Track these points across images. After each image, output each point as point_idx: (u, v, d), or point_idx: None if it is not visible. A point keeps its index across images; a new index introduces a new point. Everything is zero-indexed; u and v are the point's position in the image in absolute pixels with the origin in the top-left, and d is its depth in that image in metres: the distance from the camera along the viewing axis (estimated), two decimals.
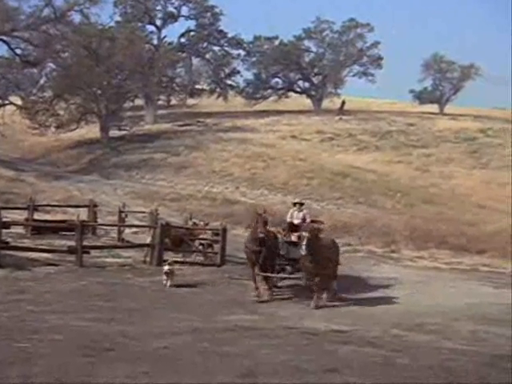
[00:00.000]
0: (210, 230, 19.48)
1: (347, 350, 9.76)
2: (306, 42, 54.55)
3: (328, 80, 52.37)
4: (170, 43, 50.71)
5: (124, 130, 42.37)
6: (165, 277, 14.53)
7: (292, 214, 15.76)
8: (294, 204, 16.35)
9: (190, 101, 53.94)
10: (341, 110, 49.70)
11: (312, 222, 15.87)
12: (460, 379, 8.41)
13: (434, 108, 54.60)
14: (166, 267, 14.65)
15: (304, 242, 13.61)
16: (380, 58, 53.86)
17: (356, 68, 53.91)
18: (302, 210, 15.79)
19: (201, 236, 19.05)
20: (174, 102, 54.05)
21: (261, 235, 14.02)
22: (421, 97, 56.29)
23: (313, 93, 53.22)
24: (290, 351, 9.34)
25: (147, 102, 48.27)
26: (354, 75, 54.17)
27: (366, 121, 46.64)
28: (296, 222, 15.54)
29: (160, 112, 49.65)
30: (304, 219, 15.55)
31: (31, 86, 41.12)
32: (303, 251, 13.53)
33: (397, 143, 41.88)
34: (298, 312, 12.91)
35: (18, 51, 39.49)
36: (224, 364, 8.33)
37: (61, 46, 40.27)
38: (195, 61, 53.22)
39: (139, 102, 48.90)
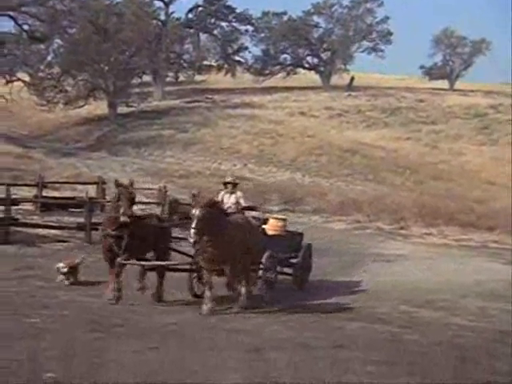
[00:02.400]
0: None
1: (355, 327, 9.75)
2: (315, 18, 54.04)
3: (337, 56, 51.92)
4: (177, 19, 50.30)
5: (132, 106, 42.25)
6: (62, 277, 11.98)
7: (222, 198, 11.87)
8: (225, 184, 12.08)
9: (198, 77, 53.65)
10: (350, 86, 49.34)
11: (249, 208, 12.28)
12: (468, 355, 8.38)
13: (444, 84, 54.09)
14: (61, 264, 12.08)
15: (193, 223, 9.98)
16: (389, 34, 53.32)
17: (365, 43, 53.43)
18: (234, 193, 11.94)
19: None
20: (181, 78, 53.77)
21: (123, 219, 10.46)
22: (431, 72, 55.75)
23: (321, 69, 52.81)
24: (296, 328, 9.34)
25: (155, 78, 48.05)
26: (363, 51, 53.71)
27: (375, 97, 46.30)
28: (227, 207, 11.63)
29: (168, 88, 49.42)
30: (237, 204, 11.81)
31: (39, 63, 40.94)
32: (192, 237, 9.98)
33: (406, 119, 41.60)
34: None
35: (26, 27, 39.29)
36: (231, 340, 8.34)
37: (68, 22, 40.04)
38: (203, 37, 52.85)
39: (147, 78, 48.69)
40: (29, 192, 21.30)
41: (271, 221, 12.75)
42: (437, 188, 28.12)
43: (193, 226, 10.00)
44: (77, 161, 31.65)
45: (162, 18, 48.94)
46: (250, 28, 52.33)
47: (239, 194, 12.02)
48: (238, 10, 51.63)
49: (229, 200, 11.86)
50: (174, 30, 46.96)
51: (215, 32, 52.17)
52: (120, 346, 7.62)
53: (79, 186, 22.94)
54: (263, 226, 12.36)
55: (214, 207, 10.40)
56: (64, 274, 11.89)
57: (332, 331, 9.28)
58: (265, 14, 53.14)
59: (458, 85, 53.76)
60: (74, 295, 10.87)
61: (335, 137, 38.06)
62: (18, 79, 39.36)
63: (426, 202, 24.86)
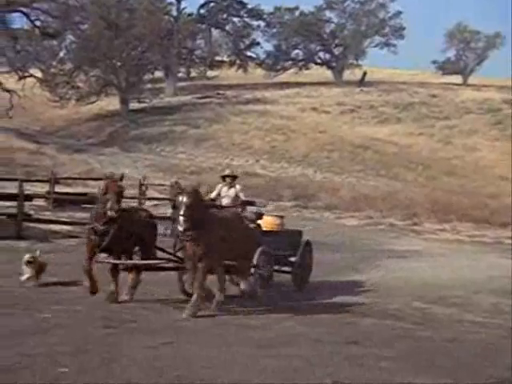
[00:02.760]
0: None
1: (368, 323, 9.71)
2: (327, 13, 53.94)
3: (349, 51, 51.77)
4: (189, 14, 50.33)
5: (144, 102, 42.33)
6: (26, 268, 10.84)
7: (220, 192, 11.42)
8: (224, 178, 11.57)
9: (210, 73, 53.68)
10: (362, 82, 49.18)
11: (248, 203, 11.69)
12: (481, 352, 8.33)
13: (458, 79, 53.80)
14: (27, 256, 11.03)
15: (181, 210, 9.20)
16: (402, 28, 53.12)
17: (377, 38, 53.25)
18: (233, 186, 11.43)
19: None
20: (193, 73, 53.82)
21: (110, 213, 9.64)
22: (444, 67, 55.45)
23: (333, 64, 52.68)
24: (309, 323, 9.31)
25: (167, 74, 48.11)
26: (375, 46, 53.57)
27: (388, 92, 46.13)
28: (225, 202, 11.25)
29: (180, 84, 49.48)
30: (237, 198, 11.32)
31: (51, 59, 41.10)
32: (181, 224, 9.20)
33: (419, 115, 41.43)
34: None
35: (38, 23, 39.43)
36: (243, 335, 8.33)
37: (80, 18, 40.16)
38: (215, 32, 52.87)
39: (159, 74, 48.76)
40: (41, 188, 21.39)
41: (267, 218, 12.00)
42: (450, 184, 28.01)
43: (181, 213, 9.17)
44: (89, 157, 31.77)
45: (174, 13, 48.98)
46: (261, 23, 52.35)
47: (238, 187, 11.49)
48: (249, 6, 51.66)
49: (227, 193, 11.36)
50: (185, 25, 46.99)
51: (227, 27, 52.17)
52: (132, 342, 7.62)
53: (91, 182, 23.00)
54: (258, 222, 11.55)
55: (197, 196, 9.56)
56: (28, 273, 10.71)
57: (345, 327, 9.25)
58: (277, 9, 53.08)
59: (472, 79, 53.48)
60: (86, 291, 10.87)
61: (347, 132, 37.98)
62: (31, 75, 39.50)
63: (439, 197, 24.76)
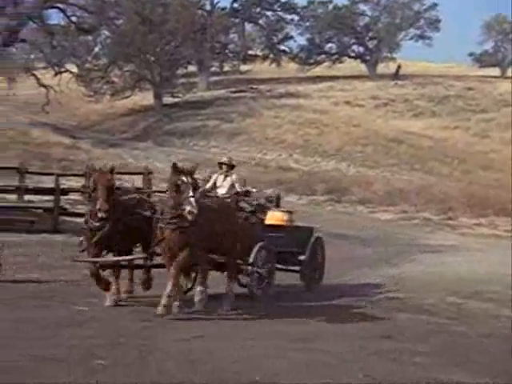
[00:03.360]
0: (263, 197, 19.37)
1: (402, 318, 9.64)
2: (361, 6, 53.35)
3: (383, 44, 51.23)
4: (222, 9, 50.34)
5: (177, 96, 42.50)
6: None
7: (215, 181, 10.67)
8: (220, 165, 10.81)
9: (243, 67, 53.65)
10: (396, 75, 48.68)
11: (244, 194, 10.79)
12: None
13: (495, 71, 52.85)
14: None
15: (190, 191, 8.54)
16: (438, 21, 52.31)
17: (412, 31, 52.51)
18: (229, 175, 10.69)
19: (254, 203, 18.98)
20: (226, 68, 53.85)
21: (100, 214, 8.95)
22: (481, 60, 54.53)
23: (367, 57, 52.19)
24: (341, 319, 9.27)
25: (200, 68, 48.21)
26: (410, 39, 52.81)
27: (423, 85, 45.57)
28: (220, 192, 10.46)
29: (213, 78, 49.56)
30: (232, 188, 10.56)
31: (86, 54, 41.55)
32: (193, 206, 8.47)
33: (454, 108, 40.85)
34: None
35: (74, 19, 39.87)
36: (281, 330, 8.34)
37: (115, 13, 40.46)
38: (248, 26, 52.79)
39: (192, 68, 48.91)
40: (77, 182, 21.63)
41: (274, 213, 11.08)
42: (486, 178, 27.59)
43: (190, 194, 8.46)
44: (123, 151, 32.04)
45: (208, 7, 49.04)
46: (295, 17, 52.06)
47: (235, 177, 10.69)
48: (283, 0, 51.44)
49: (223, 183, 10.60)
50: (219, 19, 46.98)
51: (260, 21, 52.05)
52: (168, 334, 7.67)
53: (125, 176, 23.17)
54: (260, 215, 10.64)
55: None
56: None
57: (378, 322, 9.19)
58: (310, 2, 52.73)
59: (511, 72, 52.43)
60: (122, 284, 10.96)
61: (381, 126, 37.65)
62: (67, 70, 39.97)
63: (475, 191, 24.43)
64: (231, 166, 10.73)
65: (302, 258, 11.25)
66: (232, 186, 10.54)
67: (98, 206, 8.88)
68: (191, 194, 8.49)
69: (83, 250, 9.44)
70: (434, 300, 11.20)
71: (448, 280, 13.07)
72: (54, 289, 9.93)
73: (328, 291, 11.32)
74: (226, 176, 10.65)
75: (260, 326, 8.43)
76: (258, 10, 51.63)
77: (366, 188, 26.86)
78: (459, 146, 34.00)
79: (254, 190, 21.11)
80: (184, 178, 8.55)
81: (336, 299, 10.75)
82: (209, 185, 10.66)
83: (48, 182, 18.58)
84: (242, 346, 7.36)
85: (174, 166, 8.73)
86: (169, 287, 8.57)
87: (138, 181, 20.84)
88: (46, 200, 17.69)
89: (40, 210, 17.01)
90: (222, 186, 10.54)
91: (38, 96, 38.61)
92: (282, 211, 11.55)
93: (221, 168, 10.73)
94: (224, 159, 11.01)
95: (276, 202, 15.28)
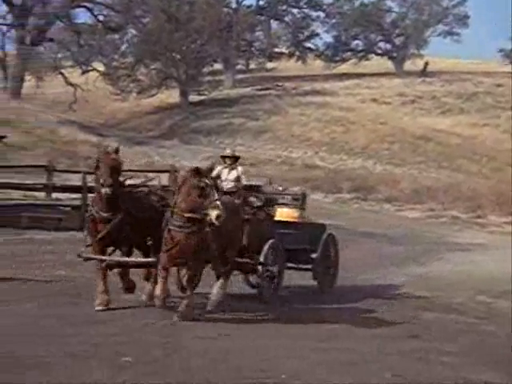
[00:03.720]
0: (289, 194, 19.34)
1: (430, 317, 9.54)
2: (388, 2, 52.90)
3: (410, 41, 50.79)
4: (248, 6, 50.29)
5: (203, 94, 42.60)
6: None
7: (219, 174, 9.94)
8: (224, 158, 10.15)
9: (269, 64, 53.57)
10: (424, 72, 48.24)
11: (251, 188, 10.60)
12: None
13: None
14: None
15: (215, 194, 8.17)
16: (466, 17, 51.67)
17: (440, 27, 51.97)
18: (235, 168, 10.08)
19: (280, 201, 18.94)
20: (252, 65, 53.82)
21: (104, 190, 8.21)
22: (511, 56, 53.77)
23: (394, 54, 51.78)
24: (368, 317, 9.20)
25: (226, 66, 48.26)
26: (438, 35, 52.29)
27: (451, 82, 45.09)
28: (226, 186, 9.88)
29: (239, 76, 49.58)
30: (238, 182, 9.99)
31: (113, 52, 41.86)
32: (220, 209, 8.08)
33: (483, 105, 40.34)
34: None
35: (101, 17, 40.21)
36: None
37: (141, 11, 40.73)
38: (274, 24, 52.66)
39: (218, 66, 48.97)
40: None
41: (284, 210, 10.76)
42: None
43: (216, 197, 8.04)
44: (149, 149, 32.21)
45: (233, 5, 49.03)
46: (321, 14, 51.82)
47: (240, 169, 10.04)
48: None
49: (227, 176, 9.94)
50: (245, 17, 46.96)
51: (286, 19, 51.90)
52: (192, 333, 7.67)
53: (152, 174, 23.27)
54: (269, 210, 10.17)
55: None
56: None
57: (406, 321, 9.10)
58: None
59: None
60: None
61: (408, 123, 37.34)
62: (94, 69, 40.31)
63: (504, 189, 24.10)
64: (235, 159, 10.04)
65: (313, 255, 10.70)
66: (237, 179, 9.97)
67: (101, 181, 8.16)
68: (216, 196, 8.08)
69: (88, 246, 8.78)
70: (462, 299, 11.08)
71: (477, 279, 12.91)
72: (81, 286, 9.99)
73: (353, 291, 11.24)
74: (230, 169, 10.02)
75: (283, 326, 8.38)
76: (284, 7, 51.49)
77: (393, 186, 26.67)
78: (488, 144, 33.60)
79: (280, 187, 21.09)
80: (207, 181, 8.12)
81: (362, 298, 10.66)
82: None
83: (75, 180, 18.71)
84: (269, 345, 7.33)
85: (196, 170, 8.20)
86: (187, 296, 8.38)
87: (164, 179, 20.96)
88: (74, 198, 17.83)
89: (67, 208, 17.14)
90: (227, 180, 9.92)
91: (66, 94, 38.98)
92: (294, 208, 11.10)
93: (224, 162, 10.05)
94: (227, 151, 10.38)
95: (302, 200, 15.08)
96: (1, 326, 7.32)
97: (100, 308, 8.41)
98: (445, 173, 29.43)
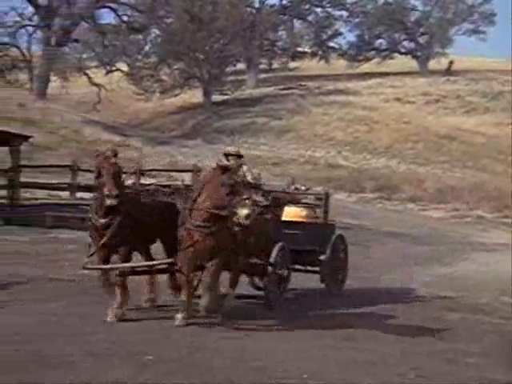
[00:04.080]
0: (312, 194, 19.28)
1: (455, 317, 9.44)
2: (412, 1, 52.59)
3: (435, 39, 50.37)
4: (271, 6, 50.26)
5: (226, 94, 42.66)
6: None
7: None
8: (227, 157, 9.15)
9: (292, 64, 53.50)
10: (448, 71, 47.83)
11: (256, 187, 9.36)
12: None
13: None
14: None
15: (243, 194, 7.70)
16: (493, 15, 51.09)
17: (465, 26, 51.52)
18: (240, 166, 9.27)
19: (303, 201, 18.89)
20: (275, 65, 53.79)
21: (109, 201, 7.56)
22: None
23: (418, 53, 51.42)
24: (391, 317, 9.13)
25: (249, 65, 48.29)
26: (463, 33, 51.85)
27: (476, 81, 44.68)
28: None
29: (262, 76, 49.58)
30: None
31: (136, 53, 42.11)
32: (247, 212, 7.62)
33: (509, 104, 39.86)
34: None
35: (125, 18, 40.47)
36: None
37: (164, 12, 40.92)
38: (297, 23, 52.58)
39: (241, 66, 49.01)
40: (127, 180, 21.86)
41: (292, 208, 10.21)
42: None
43: (245, 196, 7.56)
44: (172, 149, 32.32)
45: (256, 5, 49.03)
46: (344, 13, 51.65)
47: (244, 167, 9.26)
48: None
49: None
50: (268, 17, 46.96)
51: (309, 18, 51.78)
52: (216, 333, 7.67)
53: (175, 174, 23.37)
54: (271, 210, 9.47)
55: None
56: None
57: (430, 322, 9.02)
58: None
59: None
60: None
61: (432, 123, 37.07)
62: (117, 69, 40.58)
63: None
64: (239, 157, 9.27)
65: (322, 257, 10.09)
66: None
67: (106, 192, 7.44)
68: (246, 195, 7.60)
69: (92, 255, 8.15)
70: (487, 299, 10.95)
71: (502, 279, 12.74)
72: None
73: (376, 291, 11.16)
74: None
75: (306, 326, 8.34)
76: (307, 6, 51.37)
77: (417, 185, 26.50)
78: None
79: (303, 187, 20.99)
80: (237, 178, 7.75)
81: (385, 298, 10.58)
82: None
83: None
84: (291, 345, 7.30)
85: (225, 167, 7.85)
86: (205, 299, 7.79)
87: (187, 178, 21.02)
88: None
89: None
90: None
91: (90, 95, 39.30)
92: (303, 206, 10.60)
93: (228, 160, 9.07)
94: (230, 149, 9.62)
95: (325, 200, 14.75)
96: (26, 325, 7.38)
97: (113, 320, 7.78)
98: (469, 172, 29.17)
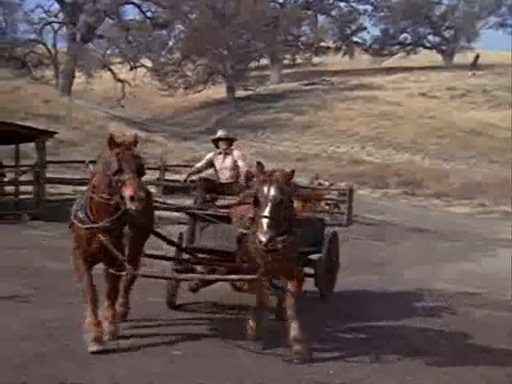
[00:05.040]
0: (336, 190, 19.25)
1: (482, 313, 9.34)
2: None
3: (461, 33, 49.84)
4: (295, 1, 50.16)
5: (250, 89, 42.67)
6: None
7: (211, 161, 8.24)
8: (216, 142, 8.17)
9: (316, 59, 53.33)
10: (474, 65, 47.32)
11: (250, 176, 7.78)
12: None
13: None
14: None
15: (267, 208, 6.05)
16: None
17: (492, 19, 50.93)
18: (230, 154, 8.14)
19: (327, 196, 18.87)
20: (299, 60, 53.67)
21: (135, 206, 5.90)
22: None
23: (444, 47, 50.94)
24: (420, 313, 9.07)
25: (272, 61, 48.24)
26: (489, 27, 51.28)
27: (502, 75, 44.13)
28: (223, 176, 8.19)
29: (285, 71, 49.51)
30: (236, 169, 8.09)
31: (160, 49, 42.29)
32: (265, 231, 5.93)
33: None
34: None
35: (149, 14, 40.65)
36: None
37: (188, 8, 41.02)
38: (321, 18, 52.47)
39: (264, 61, 48.97)
40: (151, 175, 21.98)
41: None
42: None
43: (266, 213, 6.00)
44: (196, 144, 32.39)
45: (280, 0, 48.95)
46: (368, 7, 51.38)
47: (236, 153, 8.05)
48: None
49: (222, 164, 8.11)
50: (291, 12, 46.85)
51: (333, 13, 51.59)
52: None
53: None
54: None
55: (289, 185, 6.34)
56: None
57: (456, 318, 8.94)
58: None
59: None
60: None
61: (457, 118, 36.73)
62: (142, 65, 40.78)
63: None
64: (230, 142, 8.15)
65: (314, 257, 8.84)
66: (235, 164, 8.10)
67: (128, 193, 5.83)
68: (267, 212, 6.09)
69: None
70: None
71: None
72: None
73: (400, 287, 11.08)
74: (225, 155, 8.14)
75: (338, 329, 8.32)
76: (331, 1, 51.19)
77: (442, 181, 26.27)
78: None
79: (326, 182, 20.87)
80: (264, 188, 6.20)
81: (410, 294, 10.51)
82: (200, 164, 8.42)
83: None
84: (323, 347, 7.27)
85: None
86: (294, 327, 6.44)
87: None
88: None
89: None
90: (224, 169, 8.13)
91: (114, 90, 39.51)
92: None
93: (217, 146, 8.14)
94: (220, 133, 8.28)
95: (349, 196, 14.46)
96: (53, 320, 7.43)
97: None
98: (495, 167, 28.84)
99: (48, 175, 16.97)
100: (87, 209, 6.39)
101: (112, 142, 6.16)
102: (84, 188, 7.08)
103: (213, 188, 8.16)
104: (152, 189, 20.75)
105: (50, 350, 6.36)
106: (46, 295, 8.57)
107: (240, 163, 8.13)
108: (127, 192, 5.86)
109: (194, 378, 5.89)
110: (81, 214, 6.46)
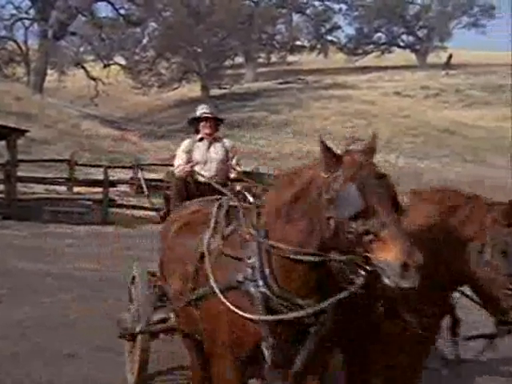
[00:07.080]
0: None
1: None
2: None
3: (434, 33, 50.22)
4: None
5: (224, 88, 42.51)
6: None
7: (190, 151, 5.97)
8: (198, 122, 6.05)
9: (290, 58, 53.33)
10: (447, 65, 47.71)
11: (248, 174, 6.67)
12: None
13: None
14: None
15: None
16: (492, 8, 50.99)
17: (465, 19, 51.38)
18: (218, 140, 5.98)
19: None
20: (274, 59, 53.62)
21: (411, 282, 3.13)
22: None
23: (417, 47, 51.28)
24: None
25: (247, 59, 48.13)
26: (462, 27, 51.72)
27: (475, 75, 44.54)
28: (208, 172, 5.77)
29: (260, 70, 49.42)
30: (227, 164, 5.83)
31: (134, 46, 41.94)
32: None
33: (509, 98, 39.77)
34: None
35: (122, 11, 40.25)
36: None
37: (162, 5, 40.72)
38: (295, 17, 52.44)
39: (239, 59, 48.83)
40: (125, 174, 21.73)
41: None
42: None
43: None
44: (171, 143, 32.12)
45: None
46: (343, 6, 51.51)
47: (227, 142, 5.99)
48: None
49: (206, 155, 5.86)
50: (266, 10, 46.77)
51: (308, 11, 51.61)
52: None
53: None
54: None
55: None
56: None
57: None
58: None
59: None
60: None
61: (432, 117, 36.94)
62: (115, 63, 40.39)
63: None
64: (218, 121, 6.05)
65: None
66: (226, 157, 5.87)
67: (397, 257, 3.16)
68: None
69: None
70: None
71: None
72: (105, 279, 9.89)
73: None
74: (210, 144, 5.91)
75: None
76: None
77: (416, 180, 26.33)
78: None
79: None
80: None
81: None
82: (179, 159, 5.95)
83: (97, 174, 18.67)
84: None
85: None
86: None
87: None
88: (95, 192, 17.80)
89: (89, 202, 17.13)
90: (209, 161, 5.86)
91: (87, 88, 39.07)
92: None
93: (197, 131, 5.98)
94: (202, 109, 6.11)
95: None
96: (27, 319, 7.26)
97: None
98: (469, 166, 29.05)
99: (19, 174, 16.70)
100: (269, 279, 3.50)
101: (331, 154, 3.45)
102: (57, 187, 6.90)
103: (192, 194, 5.49)
104: (127, 188, 20.58)
105: (24, 350, 6.24)
106: (19, 294, 8.43)
107: (231, 158, 5.88)
108: (393, 254, 3.16)
109: None
110: (252, 288, 3.52)
